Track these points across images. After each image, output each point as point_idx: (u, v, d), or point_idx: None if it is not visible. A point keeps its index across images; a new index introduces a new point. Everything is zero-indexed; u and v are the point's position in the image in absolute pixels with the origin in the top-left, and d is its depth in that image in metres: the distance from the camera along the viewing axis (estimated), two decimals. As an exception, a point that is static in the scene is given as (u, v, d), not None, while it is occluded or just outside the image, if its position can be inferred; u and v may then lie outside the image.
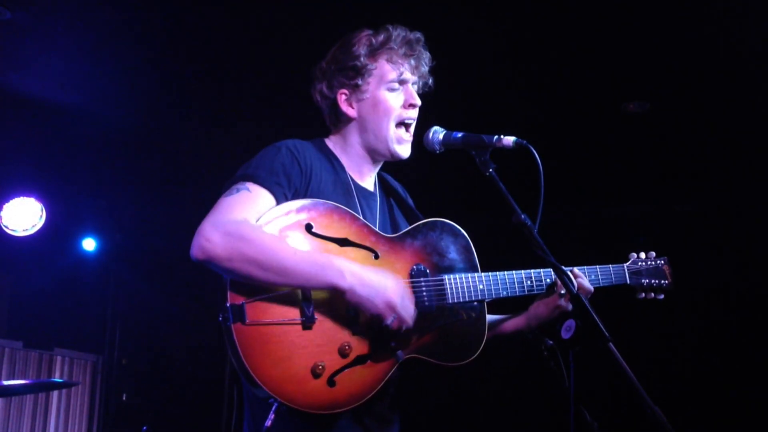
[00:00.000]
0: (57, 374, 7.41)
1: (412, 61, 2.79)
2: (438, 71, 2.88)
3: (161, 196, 7.43)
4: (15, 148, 6.51)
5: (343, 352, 2.44)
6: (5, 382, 4.48)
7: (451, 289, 2.69)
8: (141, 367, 7.72)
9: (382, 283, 2.47)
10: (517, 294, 2.82)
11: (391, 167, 2.96)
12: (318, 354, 2.40)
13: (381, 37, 2.77)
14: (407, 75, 2.78)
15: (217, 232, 2.36)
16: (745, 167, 6.75)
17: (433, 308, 2.64)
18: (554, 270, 2.47)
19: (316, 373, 2.38)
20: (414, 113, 2.80)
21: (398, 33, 2.78)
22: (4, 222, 6.62)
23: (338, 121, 2.82)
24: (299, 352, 2.38)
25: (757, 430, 6.65)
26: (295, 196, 2.55)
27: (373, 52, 2.75)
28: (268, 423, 2.34)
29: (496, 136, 2.60)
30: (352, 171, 2.80)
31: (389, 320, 2.47)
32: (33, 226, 6.71)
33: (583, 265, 2.98)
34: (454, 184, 6.82)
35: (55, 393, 7.34)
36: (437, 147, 2.73)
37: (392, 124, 2.75)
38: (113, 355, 7.65)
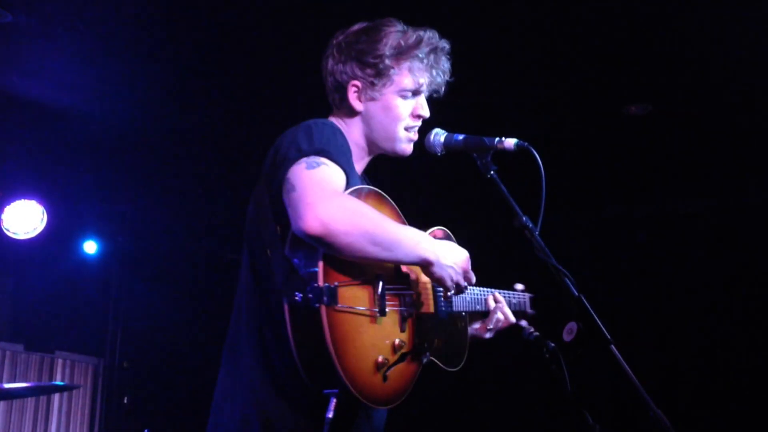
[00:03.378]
0: (58, 377, 7.40)
1: (433, 73, 2.71)
2: (448, 80, 2.87)
3: (163, 199, 7.43)
4: (16, 150, 6.51)
5: (395, 348, 2.45)
6: (6, 385, 4.47)
7: (457, 297, 2.76)
8: (142, 370, 7.71)
9: (459, 253, 2.62)
10: (484, 309, 2.99)
11: (391, 168, 2.96)
12: (382, 348, 2.40)
13: (410, 41, 2.66)
14: (424, 87, 2.71)
15: (334, 205, 2.27)
16: (748, 168, 6.74)
17: (446, 315, 2.70)
18: (556, 272, 2.47)
19: (379, 367, 2.37)
20: (420, 121, 2.76)
21: (428, 40, 2.69)
22: (6, 225, 6.61)
23: (342, 106, 2.74)
24: (370, 344, 2.36)
25: (759, 433, 6.64)
26: None
27: (398, 56, 2.65)
28: (330, 414, 2.29)
29: (497, 139, 2.60)
30: (354, 159, 2.76)
31: (464, 285, 2.59)
32: (34, 229, 6.70)
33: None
34: (455, 187, 6.81)
35: (56, 396, 7.33)
36: (438, 149, 2.72)
37: (400, 128, 2.71)
38: (114, 358, 7.64)
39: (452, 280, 2.51)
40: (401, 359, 2.46)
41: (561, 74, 5.50)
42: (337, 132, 2.54)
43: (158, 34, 5.05)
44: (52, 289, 7.22)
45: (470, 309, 2.88)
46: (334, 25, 2.82)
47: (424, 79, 2.69)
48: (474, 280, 2.66)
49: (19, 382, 6.82)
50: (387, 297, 2.44)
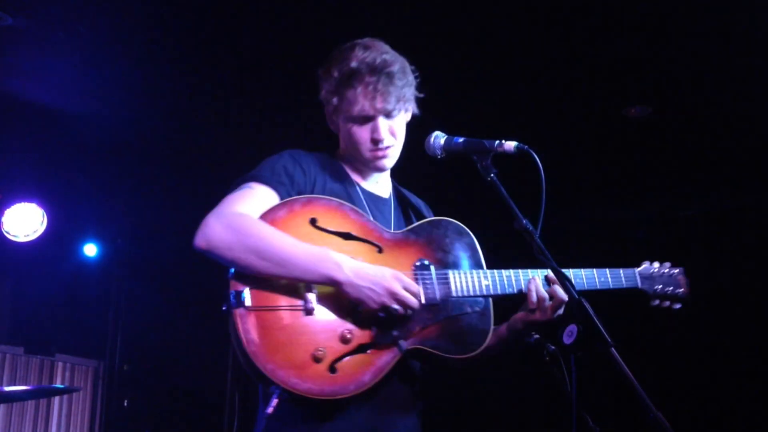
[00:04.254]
0: (58, 380, 7.40)
1: (378, 97, 2.67)
2: (439, 76, 2.87)
3: (163, 202, 7.43)
4: (16, 153, 6.51)
5: (344, 339, 2.45)
6: (6, 388, 4.48)
7: (456, 282, 2.67)
8: (142, 373, 7.70)
9: (380, 272, 2.49)
10: (523, 290, 2.75)
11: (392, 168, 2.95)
12: (319, 340, 2.42)
13: (345, 70, 2.68)
14: (370, 112, 2.69)
15: (219, 222, 2.44)
16: (747, 172, 6.74)
17: (438, 301, 2.62)
18: (556, 275, 2.47)
19: (317, 358, 2.40)
20: (383, 145, 2.73)
21: (366, 67, 2.67)
22: (6, 228, 6.62)
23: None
24: (300, 338, 2.41)
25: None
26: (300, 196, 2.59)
27: (338, 87, 2.70)
28: (270, 410, 2.35)
29: (497, 141, 2.60)
30: (357, 177, 2.82)
31: (394, 306, 2.48)
32: (34, 232, 6.71)
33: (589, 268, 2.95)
34: (455, 190, 6.81)
35: (57, 399, 7.33)
36: (439, 152, 2.73)
37: (364, 150, 2.75)
38: (114, 361, 7.64)
39: (375, 302, 2.46)
40: (359, 350, 2.46)
41: (561, 77, 5.51)
42: (286, 157, 2.67)
43: (158, 36, 5.05)
44: (53, 292, 7.22)
45: (489, 293, 2.71)
46: (336, 29, 2.83)
47: (366, 106, 2.68)
48: (412, 300, 2.51)
49: (19, 385, 6.81)
50: (328, 291, 2.46)
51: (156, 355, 7.74)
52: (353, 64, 2.67)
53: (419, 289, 2.57)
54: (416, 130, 2.85)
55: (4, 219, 6.61)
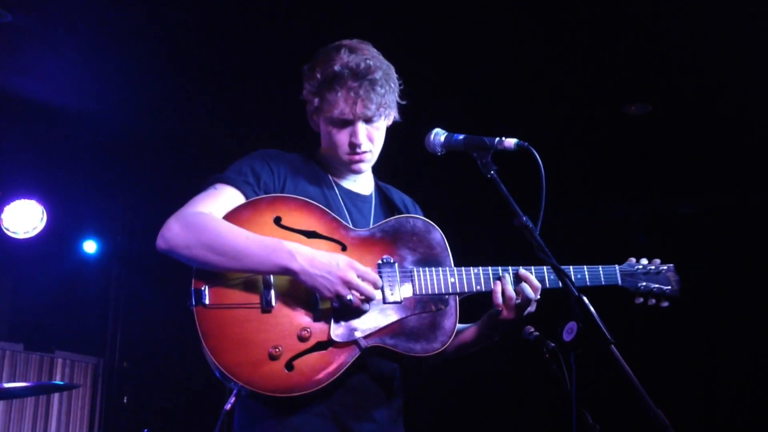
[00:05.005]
0: (58, 377, 7.39)
1: (358, 102, 2.67)
2: (438, 73, 2.87)
3: (163, 199, 7.42)
4: (16, 150, 6.50)
5: (302, 337, 2.48)
6: (6, 385, 4.47)
7: (419, 280, 2.64)
8: (142, 370, 7.69)
9: (333, 260, 2.48)
10: (492, 289, 2.71)
11: (388, 164, 2.95)
12: (276, 338, 2.45)
13: (329, 73, 2.67)
14: (349, 116, 2.69)
15: (177, 222, 2.50)
16: (746, 169, 6.74)
17: (399, 298, 2.61)
18: (556, 272, 2.46)
19: (273, 356, 2.43)
20: (360, 150, 2.73)
21: (350, 72, 2.66)
22: (5, 224, 6.60)
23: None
24: (257, 336, 2.45)
25: (758, 433, 6.64)
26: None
27: (320, 88, 2.70)
28: (227, 406, 2.40)
29: (497, 138, 2.60)
30: (336, 176, 2.82)
31: (347, 297, 2.47)
32: (34, 229, 6.69)
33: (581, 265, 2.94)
34: (454, 187, 6.81)
35: (56, 396, 7.32)
36: (438, 149, 2.72)
37: (341, 154, 2.75)
38: (114, 358, 7.63)
39: (329, 291, 2.46)
40: (317, 348, 2.48)
41: (561, 74, 5.51)
42: (255, 157, 2.71)
43: (158, 34, 5.05)
44: (52, 289, 7.21)
45: (456, 291, 2.67)
46: (334, 29, 2.83)
47: (348, 109, 2.68)
48: (368, 289, 2.49)
49: (18, 381, 6.81)
50: (286, 288, 2.49)
51: (156, 352, 7.73)
52: (336, 67, 2.66)
53: (376, 277, 2.55)
54: (415, 128, 2.85)
55: (3, 216, 6.60)
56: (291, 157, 2.78)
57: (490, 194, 2.57)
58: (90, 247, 7.45)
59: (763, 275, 6.88)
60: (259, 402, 2.50)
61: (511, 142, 2.58)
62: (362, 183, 2.88)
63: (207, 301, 2.44)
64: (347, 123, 2.70)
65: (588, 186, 7.28)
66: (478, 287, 2.70)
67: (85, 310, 7.58)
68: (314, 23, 4.82)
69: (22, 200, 6.67)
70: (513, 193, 2.50)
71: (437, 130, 2.74)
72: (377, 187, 2.94)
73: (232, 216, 2.53)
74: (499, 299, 2.67)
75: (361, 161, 2.76)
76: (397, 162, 2.90)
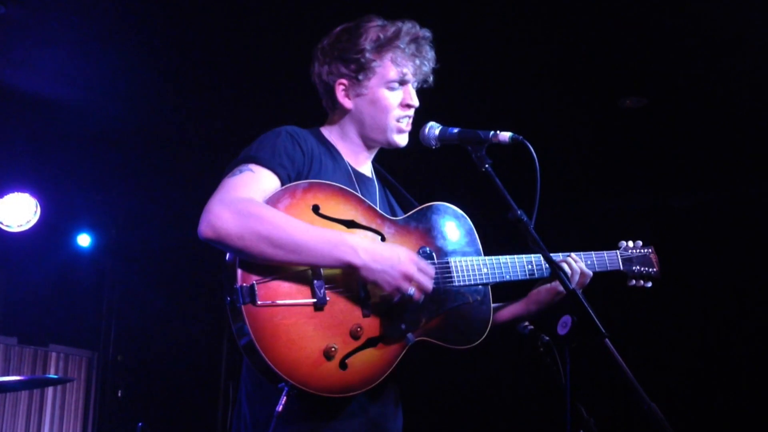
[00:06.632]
0: (52, 370, 7.39)
1: (417, 62, 2.73)
2: (433, 68, 2.87)
3: (156, 192, 7.42)
4: (9, 143, 6.49)
5: (354, 335, 2.42)
6: (0, 378, 4.46)
7: (457, 271, 2.67)
8: (136, 364, 7.69)
9: (395, 255, 2.44)
10: (519, 278, 2.81)
11: (386, 161, 2.95)
12: (330, 336, 2.37)
13: (389, 33, 2.70)
14: (409, 76, 2.73)
15: (227, 209, 2.33)
16: (743, 163, 6.75)
17: (441, 291, 2.61)
18: (550, 265, 2.47)
19: (329, 356, 2.35)
20: (411, 111, 2.77)
21: (407, 30, 2.72)
22: (-1, 218, 6.60)
23: (334, 108, 2.80)
24: (312, 334, 2.35)
25: (755, 428, 6.65)
26: (298, 179, 2.52)
27: (379, 48, 2.69)
28: (279, 408, 2.29)
29: (492, 132, 2.60)
30: (349, 158, 2.78)
31: (409, 291, 2.44)
32: (27, 222, 6.68)
33: None
34: (449, 180, 6.81)
35: (50, 389, 7.32)
36: (433, 142, 2.73)
37: (391, 119, 2.73)
38: (108, 352, 7.63)
39: (390, 285, 2.42)
40: (368, 345, 2.43)
41: (556, 68, 5.50)
42: (284, 136, 2.58)
43: (152, 26, 5.03)
44: (46, 282, 7.20)
45: (489, 281, 2.72)
46: (331, 26, 2.82)
47: (407, 69, 2.72)
48: (428, 284, 2.49)
49: (12, 375, 6.79)
50: (337, 284, 2.42)
51: (150, 345, 7.73)
52: (402, 28, 2.71)
53: (433, 271, 2.54)
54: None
55: (-3, 209, 6.59)
56: (311, 136, 2.70)
57: (484, 187, 2.56)
58: (84, 240, 7.44)
59: (760, 268, 6.88)
60: (300, 403, 2.37)
61: (505, 135, 2.58)
62: (368, 165, 2.86)
63: (258, 299, 2.29)
64: (401, 83, 2.72)
65: (583, 179, 7.27)
66: (508, 276, 2.78)
67: (80, 304, 7.57)
68: (312, 22, 4.80)
69: (16, 193, 6.66)
70: (507, 186, 2.49)
71: (432, 123, 2.74)
72: (375, 169, 2.92)
73: (272, 204, 2.40)
74: (577, 277, 2.83)
75: (409, 126, 2.76)
76: (393, 156, 2.88)
